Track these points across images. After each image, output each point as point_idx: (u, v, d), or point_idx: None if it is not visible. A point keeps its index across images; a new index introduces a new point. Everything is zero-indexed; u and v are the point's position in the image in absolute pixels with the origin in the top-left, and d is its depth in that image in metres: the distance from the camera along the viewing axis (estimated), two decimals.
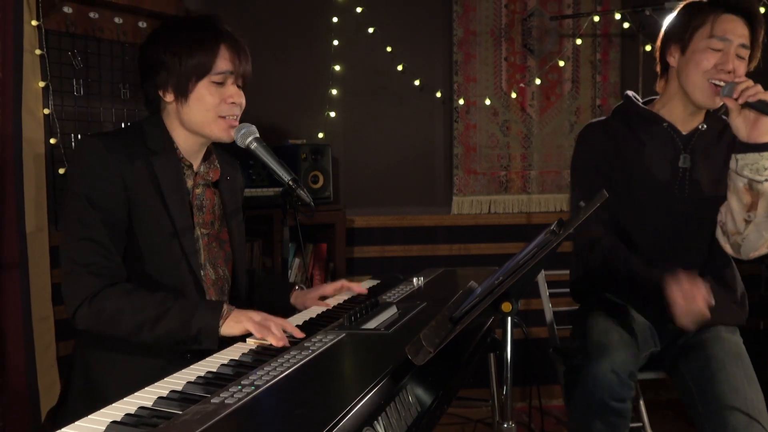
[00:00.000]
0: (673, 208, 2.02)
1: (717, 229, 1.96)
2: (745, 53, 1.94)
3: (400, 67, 3.55)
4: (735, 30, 1.92)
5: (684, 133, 2.05)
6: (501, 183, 3.67)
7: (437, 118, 3.64)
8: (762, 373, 1.91)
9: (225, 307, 1.53)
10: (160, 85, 1.67)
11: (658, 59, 2.10)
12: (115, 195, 1.58)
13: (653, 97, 2.17)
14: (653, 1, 2.14)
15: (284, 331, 1.46)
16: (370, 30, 3.51)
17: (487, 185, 3.66)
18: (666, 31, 2.07)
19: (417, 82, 3.57)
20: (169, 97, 1.67)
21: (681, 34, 1.99)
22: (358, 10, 3.50)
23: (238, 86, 1.70)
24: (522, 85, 3.64)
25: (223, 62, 1.65)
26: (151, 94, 1.70)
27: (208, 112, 1.66)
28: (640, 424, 2.22)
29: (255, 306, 1.66)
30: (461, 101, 3.60)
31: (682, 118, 2.05)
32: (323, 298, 1.93)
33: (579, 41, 3.63)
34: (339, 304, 1.86)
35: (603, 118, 2.21)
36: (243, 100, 1.71)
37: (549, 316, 2.56)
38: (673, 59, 2.03)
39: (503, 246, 3.59)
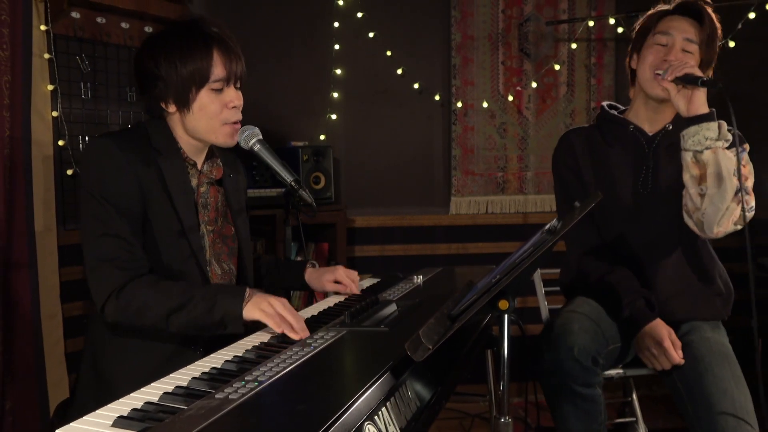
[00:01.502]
0: (640, 206, 2.06)
1: (683, 213, 1.97)
2: (692, 48, 1.98)
3: (399, 71, 3.55)
4: (678, 27, 1.99)
5: (650, 133, 2.09)
6: (498, 184, 3.67)
7: (436, 121, 3.64)
8: (752, 370, 1.91)
9: (247, 291, 1.52)
10: (161, 97, 1.64)
11: (628, 69, 2.17)
12: (131, 191, 1.58)
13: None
14: (646, 6, 2.14)
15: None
16: (371, 34, 3.51)
17: (484, 186, 3.66)
18: (631, 43, 2.16)
19: (416, 86, 3.57)
20: (172, 108, 1.65)
21: (636, 40, 2.10)
22: (359, 15, 3.49)
23: (236, 88, 1.68)
24: (518, 88, 3.64)
25: (219, 68, 1.62)
26: (153, 105, 1.68)
27: (212, 120, 1.65)
28: (633, 419, 2.22)
29: (268, 291, 1.66)
30: (459, 104, 3.60)
31: (648, 119, 2.09)
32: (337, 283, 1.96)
33: (574, 45, 3.63)
34: (340, 301, 1.86)
35: (583, 126, 2.28)
36: (242, 102, 1.69)
37: (545, 313, 2.56)
38: (634, 63, 2.11)
39: (500, 245, 3.59)
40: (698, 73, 1.86)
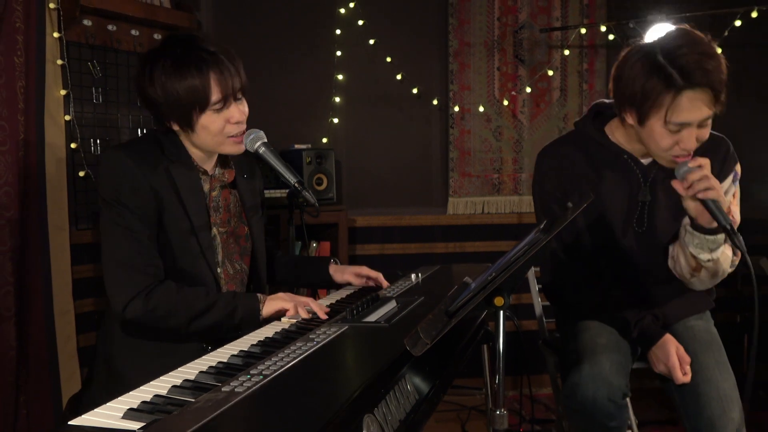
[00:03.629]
0: (635, 240, 1.92)
1: (669, 259, 1.89)
2: (708, 122, 1.70)
3: (399, 77, 3.55)
4: (693, 110, 1.64)
5: (645, 163, 1.88)
6: (494, 185, 3.67)
7: (434, 124, 3.64)
8: (739, 362, 1.91)
9: (261, 296, 1.64)
10: (165, 118, 1.64)
11: (612, 99, 1.82)
12: (147, 200, 1.59)
13: (612, 112, 1.91)
14: (636, 14, 2.15)
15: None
16: (371, 41, 3.51)
17: (480, 187, 3.66)
18: (620, 88, 1.74)
19: (415, 91, 3.57)
20: (176, 127, 1.66)
21: (637, 104, 1.70)
22: (360, 22, 3.50)
23: (237, 100, 1.65)
24: (513, 93, 3.64)
25: (216, 92, 1.59)
26: (160, 122, 1.68)
27: (216, 137, 1.65)
28: None
29: (293, 286, 1.80)
30: (456, 108, 3.59)
31: (641, 149, 1.85)
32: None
33: (567, 52, 3.63)
34: (342, 298, 1.86)
35: (561, 139, 2.05)
36: (246, 110, 1.68)
37: (538, 310, 2.56)
38: (630, 119, 1.76)
39: (496, 244, 3.59)
40: (722, 199, 1.63)
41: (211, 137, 1.65)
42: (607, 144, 1.90)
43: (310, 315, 1.61)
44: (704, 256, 1.74)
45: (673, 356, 1.79)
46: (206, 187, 1.74)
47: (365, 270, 1.95)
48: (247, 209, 1.83)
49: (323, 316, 1.57)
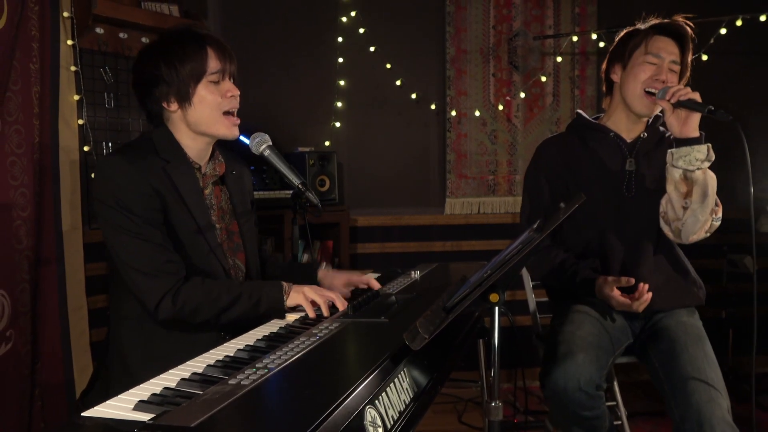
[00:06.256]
0: (623, 208, 2.04)
1: (659, 219, 1.99)
2: (676, 68, 2.01)
3: (398, 82, 3.55)
4: (666, 48, 1.99)
5: (628, 140, 2.08)
6: (489, 186, 3.67)
7: (432, 128, 3.63)
8: (724, 356, 1.91)
9: (285, 285, 1.61)
10: (162, 98, 1.63)
11: (604, 80, 2.16)
12: (150, 200, 1.56)
13: (600, 114, 2.21)
14: (626, 22, 2.16)
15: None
16: (372, 48, 3.51)
17: (476, 188, 3.66)
18: (610, 55, 2.13)
19: (414, 96, 3.57)
20: (173, 107, 1.64)
21: (622, 55, 2.06)
22: (361, 30, 3.50)
23: (232, 80, 1.68)
24: (508, 98, 3.64)
25: (214, 62, 1.63)
26: (154, 108, 1.67)
27: (212, 111, 1.64)
28: (614, 403, 2.22)
29: None
30: (453, 113, 3.59)
31: (626, 128, 2.09)
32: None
33: (559, 59, 3.63)
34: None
35: (558, 133, 2.25)
36: (238, 93, 1.68)
37: (532, 305, 2.56)
38: (616, 76, 2.08)
39: (491, 243, 3.59)
40: (699, 99, 1.83)
41: (208, 111, 1.63)
42: (596, 127, 2.13)
43: (343, 305, 1.57)
44: (692, 167, 1.85)
45: (615, 296, 1.90)
46: (200, 184, 1.71)
47: (355, 278, 1.88)
48: (236, 207, 1.80)
49: (342, 307, 1.56)
